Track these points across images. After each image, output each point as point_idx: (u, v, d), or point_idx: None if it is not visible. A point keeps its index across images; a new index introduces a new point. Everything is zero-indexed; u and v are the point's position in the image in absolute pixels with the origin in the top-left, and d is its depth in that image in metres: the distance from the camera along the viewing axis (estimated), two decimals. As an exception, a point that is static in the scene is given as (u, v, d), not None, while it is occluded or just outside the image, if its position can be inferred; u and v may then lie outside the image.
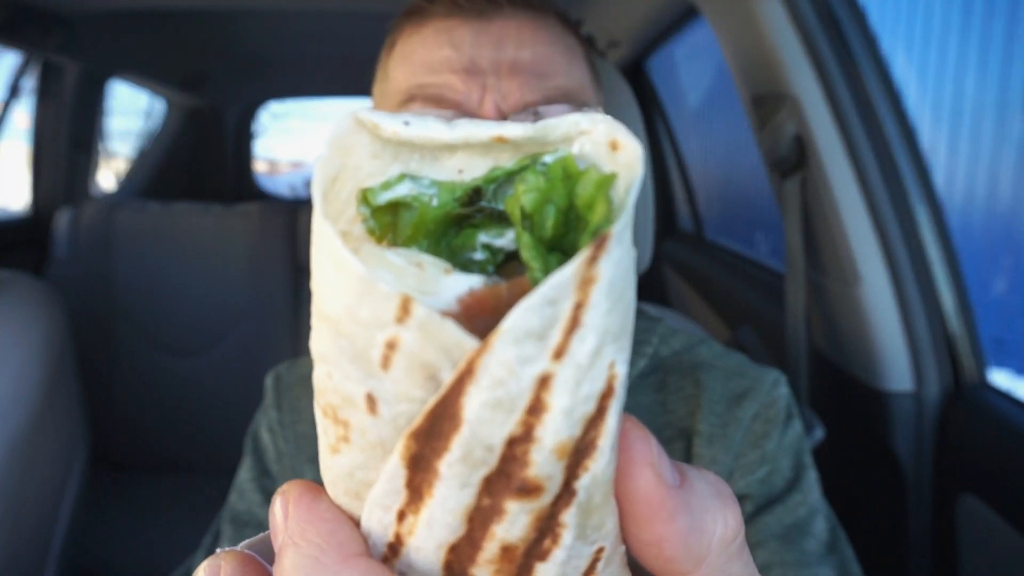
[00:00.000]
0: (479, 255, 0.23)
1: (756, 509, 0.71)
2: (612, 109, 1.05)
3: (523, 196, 0.21)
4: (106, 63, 2.59)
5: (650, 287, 2.43)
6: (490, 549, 0.20)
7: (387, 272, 0.20)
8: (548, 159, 0.22)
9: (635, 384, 0.79)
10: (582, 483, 0.20)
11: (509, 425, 0.18)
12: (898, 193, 1.16)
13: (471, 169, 0.23)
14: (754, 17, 1.16)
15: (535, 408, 0.18)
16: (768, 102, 1.25)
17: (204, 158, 3.68)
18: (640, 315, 0.86)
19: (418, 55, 0.69)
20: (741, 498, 0.72)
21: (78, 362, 1.49)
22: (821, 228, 1.23)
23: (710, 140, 2.75)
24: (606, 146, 0.21)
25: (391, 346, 0.18)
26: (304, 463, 0.81)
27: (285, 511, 0.22)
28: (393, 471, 0.20)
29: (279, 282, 2.23)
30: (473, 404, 0.18)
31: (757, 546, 0.68)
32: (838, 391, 1.31)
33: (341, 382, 0.20)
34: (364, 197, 0.22)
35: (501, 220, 0.23)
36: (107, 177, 3.18)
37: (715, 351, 0.82)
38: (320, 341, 0.21)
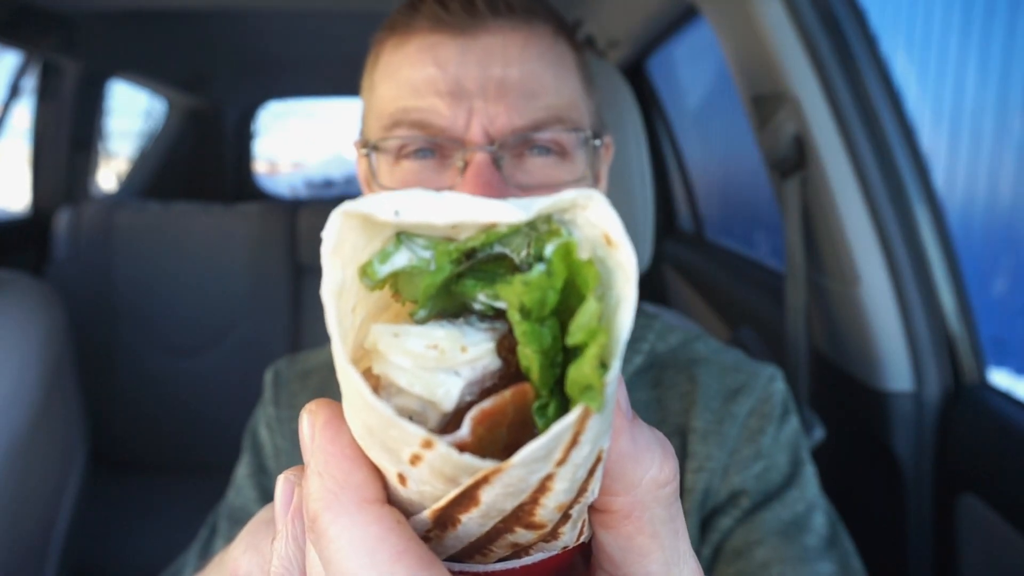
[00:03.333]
0: (478, 305, 0.25)
1: (753, 505, 0.71)
2: (612, 109, 1.05)
3: (524, 296, 0.22)
4: (106, 63, 2.59)
5: (650, 287, 2.44)
6: (501, 545, 0.25)
7: (406, 359, 0.23)
8: (549, 250, 0.23)
9: (631, 381, 0.79)
10: (576, 509, 0.24)
11: (519, 500, 0.22)
12: (898, 193, 1.16)
13: (465, 225, 0.24)
14: (754, 17, 1.16)
15: (540, 489, 0.22)
16: (768, 102, 1.25)
17: (204, 158, 3.68)
18: (636, 312, 0.86)
19: (403, 73, 0.68)
20: (738, 494, 0.71)
21: (78, 362, 1.49)
22: (821, 228, 1.23)
23: (710, 140, 2.75)
24: (602, 239, 0.23)
25: (417, 456, 0.21)
26: (300, 460, 0.81)
27: (312, 432, 0.25)
28: (422, 520, 0.24)
29: (279, 282, 2.24)
30: (488, 496, 0.22)
31: (757, 543, 0.68)
32: (838, 391, 1.31)
33: (376, 458, 0.24)
34: (364, 271, 0.24)
35: (496, 270, 0.25)
36: (107, 177, 3.18)
37: (711, 347, 0.82)
38: (353, 424, 0.24)
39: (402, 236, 0.24)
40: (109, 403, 2.20)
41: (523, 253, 0.24)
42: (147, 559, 1.85)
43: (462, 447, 0.21)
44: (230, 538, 0.77)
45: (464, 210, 0.22)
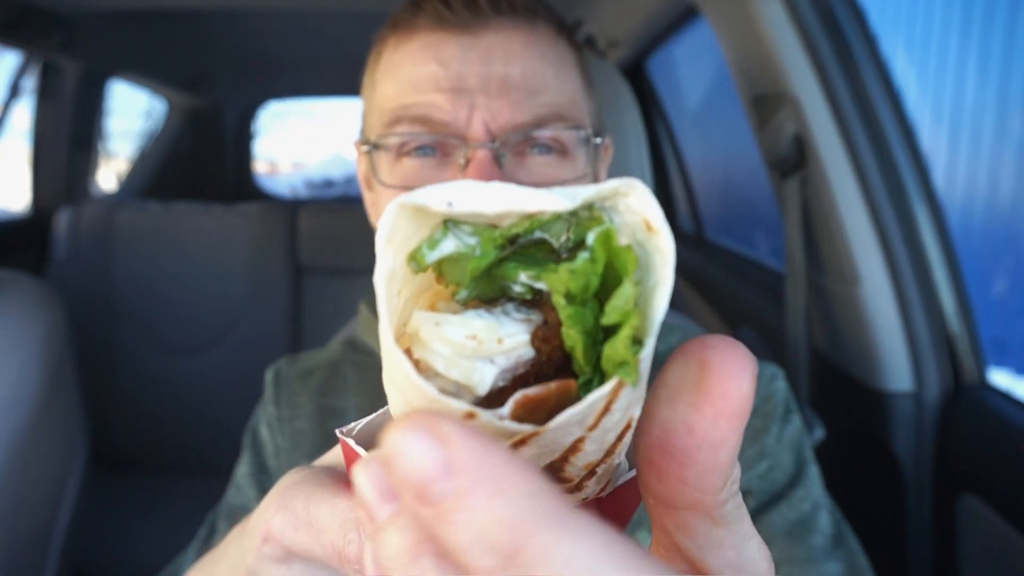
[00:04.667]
0: (519, 287, 0.26)
1: (759, 506, 0.70)
2: (612, 109, 1.05)
3: (570, 283, 0.24)
4: (106, 63, 2.58)
5: (650, 287, 2.42)
6: None
7: (446, 347, 0.24)
8: (591, 238, 0.24)
9: None
10: (601, 468, 0.26)
11: (551, 458, 0.24)
12: (898, 193, 1.16)
13: (510, 213, 0.25)
14: (754, 17, 1.16)
15: (572, 450, 0.24)
16: (768, 102, 1.25)
17: (204, 158, 3.68)
18: None
19: (405, 71, 0.68)
20: (743, 494, 0.71)
21: (78, 362, 1.49)
22: (821, 228, 1.23)
23: (710, 140, 2.75)
24: (643, 224, 0.24)
25: None
26: (301, 459, 0.81)
27: (455, 459, 0.18)
28: None
29: (279, 282, 2.23)
30: (524, 453, 0.23)
31: None
32: (838, 391, 1.31)
33: None
34: (413, 257, 0.25)
35: (536, 253, 0.26)
36: (107, 177, 3.18)
37: None
38: (394, 399, 0.26)
39: (449, 224, 0.25)
40: (109, 403, 2.20)
41: (563, 238, 0.25)
42: (147, 559, 1.85)
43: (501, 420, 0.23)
44: None
45: (513, 200, 0.24)
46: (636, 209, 0.24)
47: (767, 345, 1.55)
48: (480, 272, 0.25)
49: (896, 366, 1.17)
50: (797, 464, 0.73)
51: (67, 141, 2.50)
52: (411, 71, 0.68)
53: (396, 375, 0.24)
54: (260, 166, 4.74)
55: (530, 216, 0.24)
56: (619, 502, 0.29)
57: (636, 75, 2.31)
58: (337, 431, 0.33)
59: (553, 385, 0.24)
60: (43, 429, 1.29)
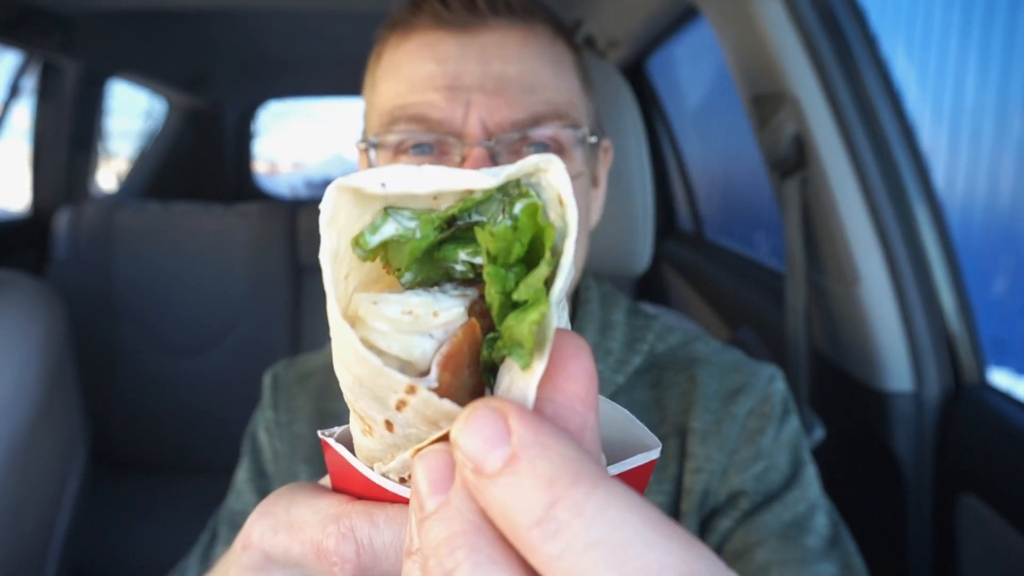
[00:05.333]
0: (460, 267, 0.27)
1: (753, 507, 0.70)
2: (612, 109, 1.05)
3: (490, 244, 0.25)
4: (106, 63, 2.59)
5: (650, 287, 2.43)
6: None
7: (385, 323, 0.25)
8: (518, 208, 0.26)
9: (631, 381, 0.78)
10: None
11: None
12: (898, 193, 1.16)
13: (444, 195, 0.26)
14: (754, 17, 1.16)
15: None
16: (768, 102, 1.25)
17: (204, 158, 3.68)
18: (636, 313, 0.85)
19: (404, 70, 0.69)
20: (737, 495, 0.71)
21: (78, 362, 1.49)
22: (821, 228, 1.23)
23: (710, 140, 2.75)
24: (556, 198, 0.25)
25: (403, 402, 0.24)
26: (299, 463, 0.81)
27: (510, 427, 0.21)
28: (404, 460, 0.27)
29: (279, 282, 2.23)
30: None
31: (756, 545, 0.68)
32: (838, 391, 1.31)
33: (364, 409, 0.26)
34: (357, 242, 0.26)
35: (474, 236, 0.27)
36: (107, 177, 3.18)
37: (711, 347, 0.82)
38: (344, 377, 0.26)
39: (389, 210, 0.26)
40: (109, 403, 2.20)
41: (499, 219, 0.26)
42: (147, 559, 1.86)
43: (434, 391, 0.24)
44: (230, 543, 0.77)
45: (442, 179, 0.25)
46: (553, 184, 0.25)
47: (767, 345, 1.55)
48: (421, 253, 0.27)
49: (896, 366, 1.17)
50: (793, 465, 0.73)
51: (67, 141, 2.50)
52: (409, 71, 0.68)
53: (344, 351, 0.25)
54: (260, 166, 4.74)
55: (463, 197, 0.26)
56: (637, 480, 0.29)
57: (636, 75, 2.31)
58: (320, 433, 0.33)
59: (460, 332, 0.25)
60: (43, 429, 1.29)
